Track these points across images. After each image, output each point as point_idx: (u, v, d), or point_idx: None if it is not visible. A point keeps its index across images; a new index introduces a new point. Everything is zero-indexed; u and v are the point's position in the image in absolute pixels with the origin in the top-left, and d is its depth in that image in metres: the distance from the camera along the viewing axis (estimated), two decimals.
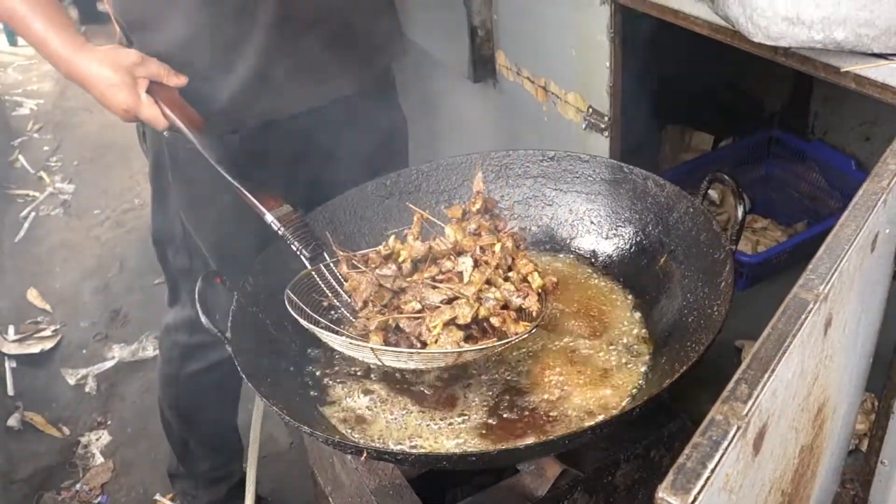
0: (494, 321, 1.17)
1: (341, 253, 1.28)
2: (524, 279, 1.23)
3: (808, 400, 0.80)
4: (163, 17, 1.46)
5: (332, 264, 1.30)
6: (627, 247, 1.44)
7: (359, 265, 1.27)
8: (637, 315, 1.35)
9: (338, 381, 1.28)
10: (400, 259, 1.26)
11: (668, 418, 1.36)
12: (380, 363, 1.18)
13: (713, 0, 1.17)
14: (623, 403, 1.19)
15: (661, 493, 0.55)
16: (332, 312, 1.31)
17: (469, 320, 1.15)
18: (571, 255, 1.49)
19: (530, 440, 1.14)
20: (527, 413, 1.19)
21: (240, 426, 2.11)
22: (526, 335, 1.17)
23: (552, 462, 1.30)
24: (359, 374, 1.29)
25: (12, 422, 2.63)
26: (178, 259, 1.74)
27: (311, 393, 1.26)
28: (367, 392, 1.25)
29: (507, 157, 1.53)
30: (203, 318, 1.19)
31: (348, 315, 1.28)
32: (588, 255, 1.48)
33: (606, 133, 1.69)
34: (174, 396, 1.97)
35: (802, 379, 0.75)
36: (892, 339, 1.14)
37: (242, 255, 1.49)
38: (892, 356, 1.14)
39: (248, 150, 1.54)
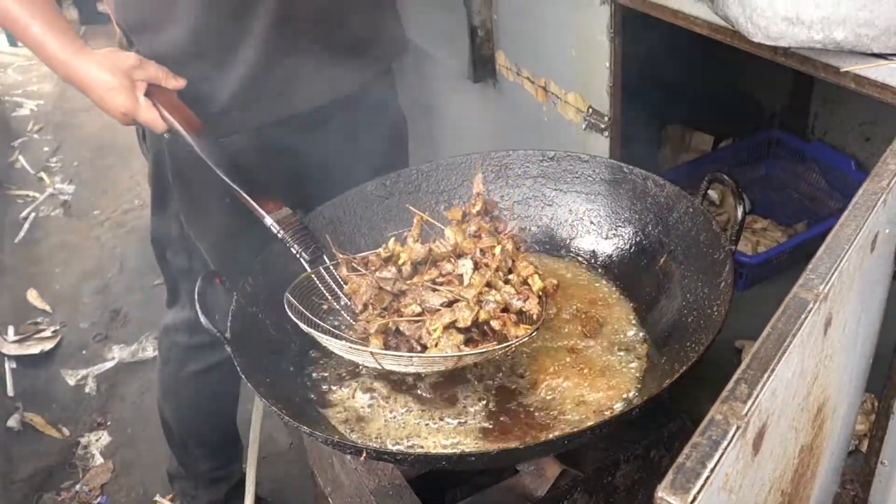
0: (495, 324, 1.16)
1: (341, 256, 1.28)
2: (524, 282, 1.23)
3: (808, 400, 0.80)
4: (164, 19, 1.46)
5: (331, 267, 1.30)
6: (627, 247, 1.44)
7: (358, 268, 1.26)
8: (636, 315, 1.35)
9: (337, 380, 1.28)
10: (400, 262, 1.25)
11: (668, 418, 1.36)
12: (379, 367, 1.17)
13: (713, 0, 1.17)
14: (622, 404, 1.19)
15: (661, 492, 0.54)
16: (332, 317, 1.31)
17: (469, 323, 1.15)
18: (571, 256, 1.49)
19: (530, 440, 1.14)
20: (526, 413, 1.19)
21: (239, 426, 2.11)
22: (526, 338, 1.17)
23: (552, 462, 1.30)
24: (360, 372, 1.28)
25: (12, 422, 2.63)
26: (178, 260, 1.73)
27: (311, 393, 1.26)
28: (367, 390, 1.25)
29: (507, 157, 1.53)
30: (203, 319, 1.19)
31: (348, 318, 1.28)
32: (588, 256, 1.48)
33: (606, 133, 1.69)
34: (173, 397, 1.97)
35: (802, 379, 0.75)
36: (892, 339, 1.14)
37: (242, 255, 1.49)
38: (892, 356, 1.14)
39: (247, 150, 1.54)
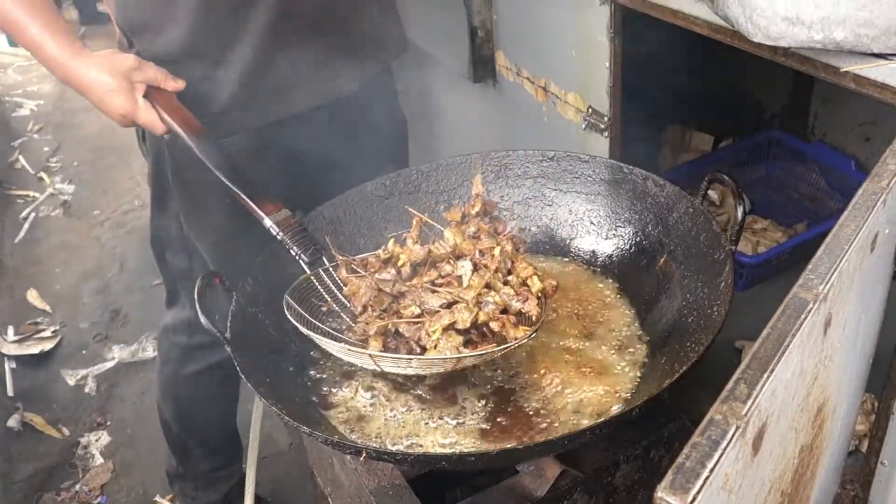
0: (494, 326, 1.16)
1: (340, 257, 1.28)
2: (523, 283, 1.22)
3: (808, 400, 0.80)
4: (164, 20, 1.46)
5: (331, 269, 1.30)
6: (627, 247, 1.44)
7: (358, 269, 1.26)
8: (636, 315, 1.35)
9: (338, 380, 1.28)
10: (399, 263, 1.25)
11: (668, 419, 1.36)
12: (379, 369, 1.17)
13: (713, 0, 1.17)
14: (622, 404, 1.19)
15: (661, 492, 0.54)
16: (331, 319, 1.31)
17: (468, 325, 1.14)
18: (571, 256, 1.49)
19: (529, 440, 1.14)
20: (526, 413, 1.19)
21: (239, 427, 2.11)
22: (526, 340, 1.17)
23: (552, 462, 1.30)
24: (360, 371, 1.28)
25: (12, 422, 2.63)
26: (177, 260, 1.73)
27: (311, 394, 1.26)
28: (369, 388, 1.25)
29: (507, 158, 1.53)
30: (203, 319, 1.19)
31: (347, 320, 1.28)
32: (588, 256, 1.48)
33: (606, 133, 1.69)
34: (173, 398, 1.97)
35: (802, 379, 0.75)
36: (892, 339, 1.14)
37: (242, 255, 1.49)
38: (892, 356, 1.14)
39: (247, 150, 1.54)
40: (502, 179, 1.53)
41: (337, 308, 1.29)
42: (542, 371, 1.25)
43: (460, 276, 1.21)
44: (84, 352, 2.96)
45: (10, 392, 2.78)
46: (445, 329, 1.14)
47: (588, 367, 1.25)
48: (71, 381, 2.81)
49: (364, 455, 1.05)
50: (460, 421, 1.19)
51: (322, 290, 1.29)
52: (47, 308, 3.20)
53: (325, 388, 1.27)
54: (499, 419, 1.19)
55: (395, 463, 1.30)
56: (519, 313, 1.19)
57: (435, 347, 1.14)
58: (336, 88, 1.60)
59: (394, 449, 1.15)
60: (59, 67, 1.39)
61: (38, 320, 3.13)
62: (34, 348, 2.96)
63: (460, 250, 1.25)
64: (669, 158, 2.55)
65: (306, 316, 1.23)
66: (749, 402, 0.61)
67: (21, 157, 4.38)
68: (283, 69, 1.51)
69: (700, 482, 0.55)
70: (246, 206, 1.32)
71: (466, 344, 1.15)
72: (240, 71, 1.48)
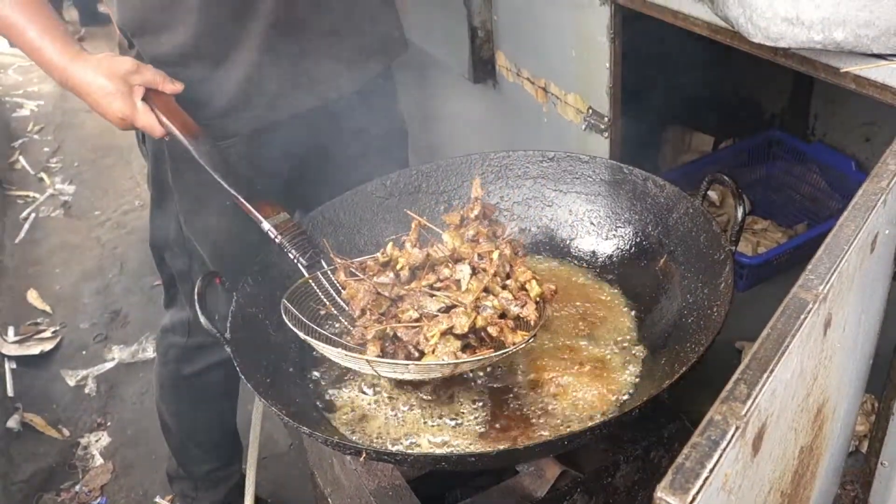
0: (492, 330, 1.16)
1: (338, 260, 1.27)
2: (522, 287, 1.22)
3: (808, 400, 0.80)
4: (164, 22, 1.46)
5: (329, 272, 1.29)
6: (627, 247, 1.44)
7: (356, 273, 1.26)
8: (636, 316, 1.35)
9: (339, 379, 1.28)
10: (398, 267, 1.25)
11: (668, 419, 1.36)
12: (376, 374, 1.17)
13: (713, 1, 1.17)
14: (622, 404, 1.19)
15: (660, 492, 0.54)
16: (329, 323, 1.30)
17: (466, 330, 1.14)
18: (571, 256, 1.49)
19: (528, 441, 1.14)
20: (525, 414, 1.19)
21: (239, 427, 2.11)
22: (523, 345, 1.16)
23: (552, 463, 1.30)
24: (360, 370, 1.28)
25: (12, 423, 2.63)
26: (177, 261, 1.73)
27: (311, 394, 1.26)
28: (371, 385, 1.26)
29: (507, 158, 1.53)
30: (202, 319, 1.19)
31: (346, 323, 1.28)
32: (588, 256, 1.48)
33: (606, 134, 1.69)
34: (172, 398, 1.97)
35: (802, 379, 0.75)
36: (892, 339, 1.14)
37: (241, 256, 1.49)
38: (892, 356, 1.14)
39: (246, 151, 1.54)
40: (502, 180, 1.53)
41: (335, 311, 1.29)
42: (542, 371, 1.25)
43: (459, 280, 1.20)
44: (84, 352, 2.96)
45: (10, 392, 2.78)
46: (443, 333, 1.14)
47: (588, 367, 1.25)
48: (71, 382, 2.81)
49: (364, 455, 1.05)
50: (459, 422, 1.19)
51: (320, 294, 1.28)
52: (47, 308, 3.20)
53: (325, 389, 1.27)
54: (498, 419, 1.19)
55: (395, 463, 1.30)
56: (517, 318, 1.19)
57: (433, 352, 1.13)
58: (336, 89, 1.60)
59: (394, 449, 1.15)
60: (58, 71, 1.38)
61: (39, 321, 3.13)
62: (34, 349, 2.96)
63: (459, 254, 1.24)
64: (669, 159, 2.55)
65: (304, 319, 1.23)
66: (749, 403, 0.61)
67: (21, 158, 4.39)
68: (283, 71, 1.51)
69: (700, 482, 0.55)
70: (244, 210, 1.32)
71: (464, 348, 1.15)
72: (240, 72, 1.48)
